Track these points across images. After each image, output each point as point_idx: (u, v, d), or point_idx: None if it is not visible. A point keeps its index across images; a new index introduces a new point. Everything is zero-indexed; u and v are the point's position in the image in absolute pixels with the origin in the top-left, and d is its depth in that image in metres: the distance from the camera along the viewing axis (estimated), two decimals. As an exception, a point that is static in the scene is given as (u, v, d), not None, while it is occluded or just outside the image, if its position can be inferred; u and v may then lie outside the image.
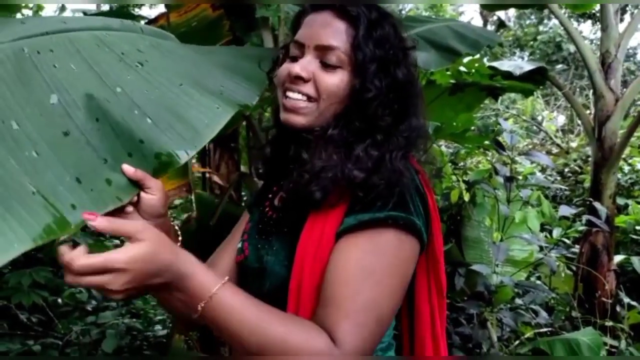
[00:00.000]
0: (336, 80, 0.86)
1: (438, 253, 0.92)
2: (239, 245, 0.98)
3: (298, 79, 0.86)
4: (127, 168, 0.74)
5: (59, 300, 2.83)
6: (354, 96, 0.86)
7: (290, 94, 0.87)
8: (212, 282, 0.72)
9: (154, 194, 0.79)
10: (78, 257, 0.63)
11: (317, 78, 0.86)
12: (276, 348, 0.71)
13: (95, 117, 0.76)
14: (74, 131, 0.73)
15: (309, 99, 0.87)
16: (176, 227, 0.87)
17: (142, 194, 0.78)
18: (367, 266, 0.77)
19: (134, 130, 0.77)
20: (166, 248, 0.70)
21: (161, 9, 2.10)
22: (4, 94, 0.71)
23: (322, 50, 0.86)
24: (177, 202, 4.18)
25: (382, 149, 0.84)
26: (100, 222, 0.65)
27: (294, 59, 0.89)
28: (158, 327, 2.98)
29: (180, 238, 0.87)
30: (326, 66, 0.86)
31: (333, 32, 0.87)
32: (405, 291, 0.83)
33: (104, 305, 3.02)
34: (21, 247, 0.57)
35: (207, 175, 2.70)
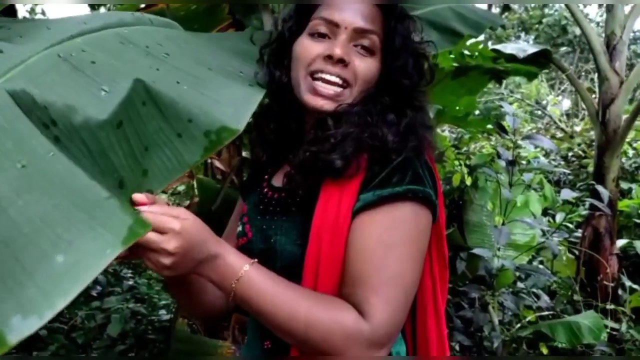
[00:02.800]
0: (371, 66, 0.87)
1: (441, 224, 0.93)
2: (240, 228, 0.97)
3: (339, 61, 0.85)
4: (138, 197, 0.73)
5: (64, 286, 2.86)
6: (391, 81, 0.88)
7: (327, 76, 0.85)
8: (243, 262, 0.76)
9: None
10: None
11: (355, 63, 0.86)
12: (303, 323, 0.73)
13: (142, 101, 0.77)
14: (125, 122, 0.75)
15: (345, 83, 0.86)
16: None
17: None
18: (388, 241, 0.79)
19: (180, 111, 0.78)
20: (205, 227, 0.75)
21: (160, -8, 2.08)
22: (60, 95, 0.71)
23: (360, 34, 0.86)
24: (180, 188, 4.19)
25: (412, 119, 0.87)
26: (152, 208, 0.71)
27: (315, 36, 0.88)
28: (162, 311, 3.00)
29: None
30: (360, 50, 0.87)
31: (371, 17, 0.87)
32: (424, 262, 0.85)
33: (108, 291, 3.04)
34: (114, 252, 0.59)
35: (209, 160, 2.70)
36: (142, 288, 3.22)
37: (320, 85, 0.86)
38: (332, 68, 0.85)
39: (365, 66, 0.86)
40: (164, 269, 0.71)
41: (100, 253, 0.58)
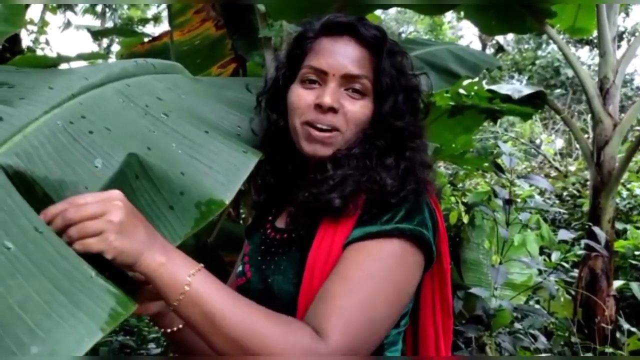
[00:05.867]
0: (363, 109, 0.88)
1: (445, 271, 0.92)
2: (240, 268, 0.97)
3: (329, 109, 0.86)
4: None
5: (52, 317, 2.79)
6: (384, 123, 0.88)
7: (318, 125, 0.87)
8: (193, 262, 0.71)
9: None
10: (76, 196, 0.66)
11: (346, 108, 0.87)
12: (260, 334, 0.68)
13: (135, 174, 0.78)
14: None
15: (335, 129, 0.88)
16: None
17: (148, 286, 0.76)
18: (367, 270, 0.77)
19: (172, 182, 0.79)
20: None
21: (165, 26, 2.13)
22: (52, 171, 0.72)
23: (348, 79, 0.88)
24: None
25: (410, 161, 0.87)
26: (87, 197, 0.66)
27: (306, 83, 0.89)
28: (152, 345, 2.93)
29: None
30: (351, 94, 0.88)
31: (360, 61, 0.88)
32: (404, 302, 0.82)
33: (97, 323, 2.97)
34: (92, 340, 0.57)
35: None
36: (131, 320, 3.15)
37: (314, 132, 0.88)
38: (324, 117, 0.87)
39: (356, 109, 0.88)
40: (113, 236, 0.64)
41: (77, 342, 0.56)
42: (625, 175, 4.96)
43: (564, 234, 2.13)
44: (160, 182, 0.78)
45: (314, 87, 0.89)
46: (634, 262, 3.97)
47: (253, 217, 1.10)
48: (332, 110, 0.86)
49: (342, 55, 0.88)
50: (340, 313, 0.72)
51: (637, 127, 5.86)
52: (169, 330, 0.86)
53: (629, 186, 5.08)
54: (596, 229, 2.35)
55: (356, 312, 0.73)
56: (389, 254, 0.79)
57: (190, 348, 0.90)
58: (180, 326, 0.85)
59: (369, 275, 0.76)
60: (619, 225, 4.37)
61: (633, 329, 3.02)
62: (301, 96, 0.89)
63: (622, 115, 3.22)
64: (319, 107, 0.87)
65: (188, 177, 0.80)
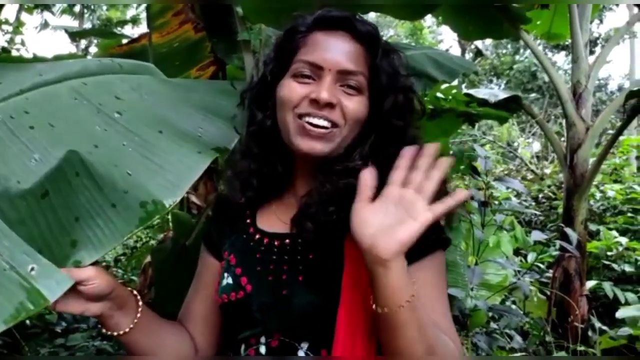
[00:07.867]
0: (359, 105, 0.85)
1: None
2: (229, 281, 0.88)
3: (326, 105, 0.82)
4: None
5: (27, 322, 2.74)
6: (385, 122, 0.86)
7: (314, 120, 0.83)
8: None
9: (92, 283, 0.75)
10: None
11: (343, 104, 0.84)
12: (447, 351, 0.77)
13: (75, 172, 0.76)
14: (52, 192, 0.73)
15: (334, 125, 0.84)
16: (134, 292, 0.84)
17: (82, 287, 0.74)
18: (438, 285, 0.84)
19: (117, 181, 0.77)
20: None
21: (143, 28, 2.12)
22: None
23: (344, 75, 0.84)
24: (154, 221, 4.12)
25: None
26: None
27: (298, 77, 0.85)
28: (129, 349, 2.90)
29: (140, 302, 0.84)
30: (347, 90, 0.85)
31: (355, 57, 0.85)
32: None
33: (74, 327, 2.93)
34: None
35: (185, 194, 2.67)
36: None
37: (309, 127, 0.83)
38: (319, 112, 0.82)
39: (353, 106, 0.84)
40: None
41: None
42: (599, 178, 5.09)
43: (537, 235, 2.18)
44: (102, 180, 0.76)
45: (307, 82, 0.84)
46: (606, 262, 4.07)
47: (212, 224, 1.00)
48: (329, 105, 0.82)
49: (337, 50, 0.84)
50: (449, 334, 0.80)
51: (611, 131, 6.02)
52: (115, 334, 0.81)
53: (602, 188, 5.21)
54: (568, 230, 2.41)
55: (452, 325, 0.83)
56: (441, 266, 0.86)
57: (142, 351, 0.85)
58: (127, 330, 0.81)
59: (441, 288, 0.85)
60: (593, 227, 4.48)
61: (605, 328, 3.10)
62: (294, 89, 0.84)
63: (596, 119, 3.31)
64: (315, 102, 0.82)
65: (135, 176, 0.78)
